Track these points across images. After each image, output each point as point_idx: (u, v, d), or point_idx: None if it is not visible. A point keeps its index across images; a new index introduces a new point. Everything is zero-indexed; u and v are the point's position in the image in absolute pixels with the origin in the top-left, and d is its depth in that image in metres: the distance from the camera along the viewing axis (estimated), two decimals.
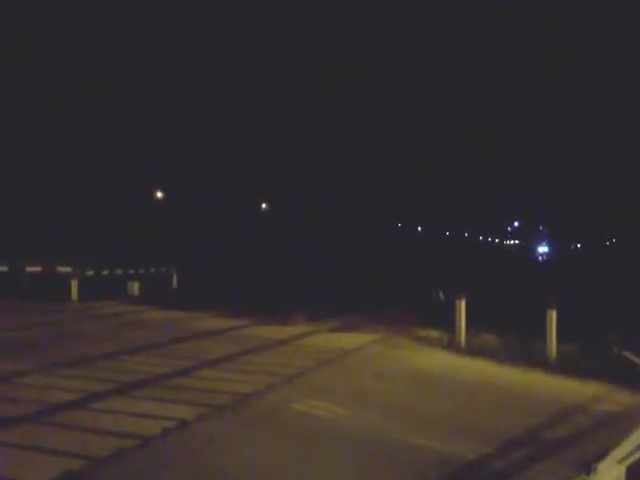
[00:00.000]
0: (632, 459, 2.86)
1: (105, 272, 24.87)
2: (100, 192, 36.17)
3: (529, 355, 12.45)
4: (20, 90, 36.08)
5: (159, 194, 43.96)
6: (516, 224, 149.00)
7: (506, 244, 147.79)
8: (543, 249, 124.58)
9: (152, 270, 27.45)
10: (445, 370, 11.78)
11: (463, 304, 13.76)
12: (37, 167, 34.77)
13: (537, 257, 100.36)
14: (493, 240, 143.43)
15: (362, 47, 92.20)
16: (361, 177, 66.77)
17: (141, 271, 26.48)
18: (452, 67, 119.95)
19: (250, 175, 49.79)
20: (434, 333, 15.18)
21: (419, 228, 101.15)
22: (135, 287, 24.46)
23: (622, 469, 2.91)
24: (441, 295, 20.55)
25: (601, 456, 2.89)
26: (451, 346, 13.78)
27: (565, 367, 11.58)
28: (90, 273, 23.96)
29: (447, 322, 14.51)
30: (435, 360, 12.73)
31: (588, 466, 2.80)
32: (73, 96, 39.08)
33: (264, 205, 55.36)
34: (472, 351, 13.27)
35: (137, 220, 37.82)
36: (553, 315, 12.28)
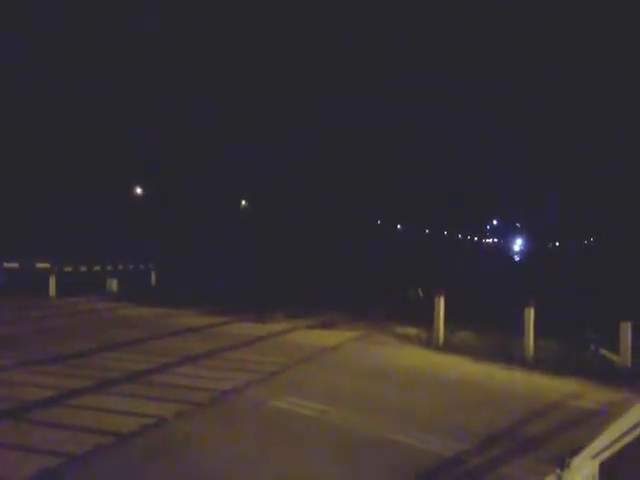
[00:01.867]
0: (605, 455, 2.89)
1: (83, 268, 24.69)
2: (84, 189, 35.91)
3: (507, 352, 12.54)
4: (19, 89, 35.80)
5: (138, 190, 43.70)
6: (495, 222, 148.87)
7: (484, 242, 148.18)
8: (519, 247, 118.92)
9: (131, 267, 27.32)
10: (423, 367, 11.83)
11: (442, 301, 13.83)
12: (30, 163, 34.58)
13: (512, 256, 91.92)
14: (472, 238, 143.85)
15: (361, 48, 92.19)
16: (346, 175, 66.76)
17: (120, 267, 26.33)
18: (450, 67, 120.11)
19: (245, 173, 49.70)
20: (413, 330, 15.25)
21: (398, 226, 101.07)
22: (114, 284, 24.35)
23: (596, 465, 2.94)
24: (420, 292, 20.65)
25: (575, 452, 2.91)
26: (429, 343, 13.85)
27: (543, 364, 11.69)
28: (68, 269, 23.78)
29: (426, 319, 14.58)
30: (413, 357, 12.77)
31: (562, 462, 2.82)
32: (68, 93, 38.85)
33: (243, 202, 55.20)
34: (450, 348, 13.35)
35: (121, 216, 37.59)
36: (531, 313, 12.37)
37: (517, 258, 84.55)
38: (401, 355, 12.91)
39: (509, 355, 12.35)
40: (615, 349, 11.60)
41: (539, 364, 11.76)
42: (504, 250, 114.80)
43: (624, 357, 11.27)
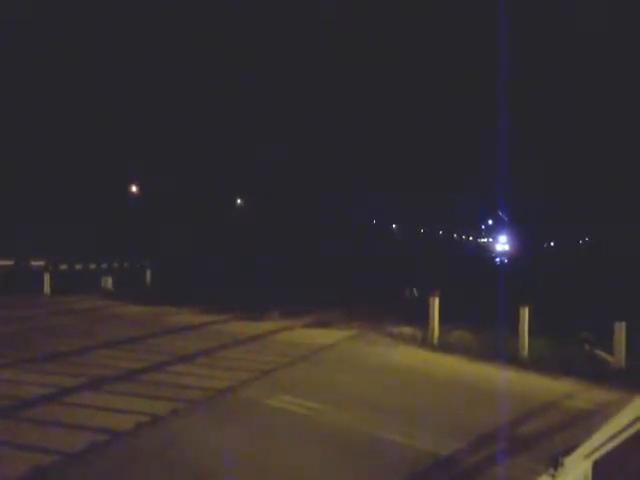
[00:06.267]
0: (599, 454, 2.91)
1: (78, 266, 24.65)
2: (77, 188, 35.84)
3: (501, 352, 12.55)
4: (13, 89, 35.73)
5: (134, 188, 43.60)
6: (490, 222, 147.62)
7: (479, 242, 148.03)
8: (503, 246, 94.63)
9: (126, 265, 27.27)
10: (418, 366, 11.85)
11: (437, 301, 13.84)
12: (23, 161, 34.54)
13: (495, 259, 72.12)
14: (467, 238, 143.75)
15: (359, 48, 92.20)
16: (343, 173, 66.69)
17: (115, 265, 26.28)
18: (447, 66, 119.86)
19: (232, 170, 49.62)
20: (408, 330, 15.24)
21: (394, 226, 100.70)
22: (109, 282, 24.31)
23: (589, 464, 2.97)
24: (415, 292, 20.67)
25: (569, 451, 2.93)
26: (424, 342, 13.85)
27: (537, 364, 11.70)
28: (64, 267, 23.75)
29: (421, 319, 14.59)
30: (409, 356, 12.79)
31: (556, 460, 2.84)
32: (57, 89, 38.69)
33: (239, 201, 55.15)
34: (445, 348, 13.34)
35: (112, 215, 37.49)
36: (526, 312, 12.40)
37: (498, 260, 68.49)
38: (396, 354, 12.92)
39: (504, 355, 12.37)
40: (610, 349, 11.63)
41: (534, 364, 11.77)
42: (485, 250, 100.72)
43: (618, 357, 11.30)
